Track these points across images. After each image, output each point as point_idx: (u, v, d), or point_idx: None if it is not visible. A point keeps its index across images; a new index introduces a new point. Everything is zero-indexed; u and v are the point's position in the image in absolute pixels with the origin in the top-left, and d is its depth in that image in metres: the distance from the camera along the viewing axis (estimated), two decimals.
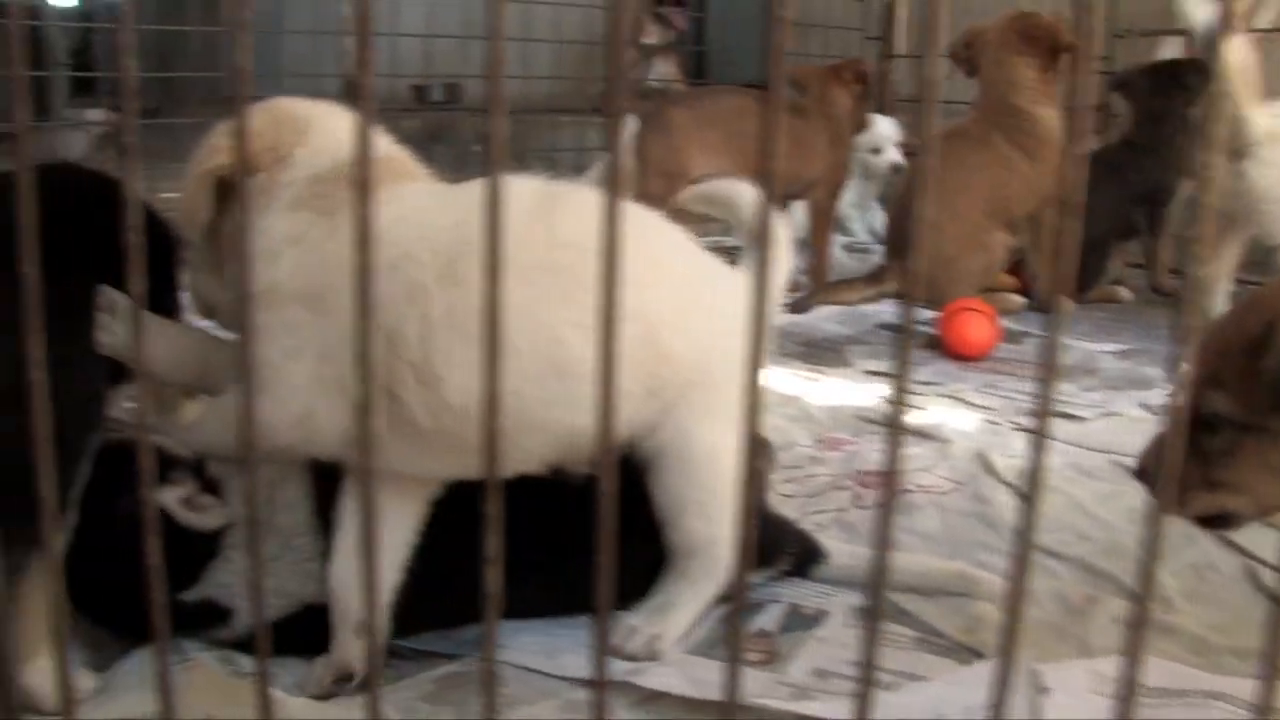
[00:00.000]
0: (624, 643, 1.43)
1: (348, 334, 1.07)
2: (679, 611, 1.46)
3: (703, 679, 1.37)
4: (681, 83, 6.05)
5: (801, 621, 1.52)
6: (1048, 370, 0.68)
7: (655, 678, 1.36)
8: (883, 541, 0.68)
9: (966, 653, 1.48)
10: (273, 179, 1.38)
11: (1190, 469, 1.26)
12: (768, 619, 1.53)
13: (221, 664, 1.39)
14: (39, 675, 1.27)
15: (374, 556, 0.74)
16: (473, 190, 1.38)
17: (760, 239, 0.66)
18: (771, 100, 0.65)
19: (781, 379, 2.65)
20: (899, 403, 0.66)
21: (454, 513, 1.42)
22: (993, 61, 3.36)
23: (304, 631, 1.37)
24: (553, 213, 1.35)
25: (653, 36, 5.92)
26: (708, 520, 1.44)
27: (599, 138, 4.25)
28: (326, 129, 1.43)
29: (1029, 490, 0.67)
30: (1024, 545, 0.68)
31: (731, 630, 0.77)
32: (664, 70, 5.95)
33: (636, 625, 1.45)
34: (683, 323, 1.42)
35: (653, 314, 1.38)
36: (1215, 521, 1.32)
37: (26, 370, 1.25)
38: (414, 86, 5.83)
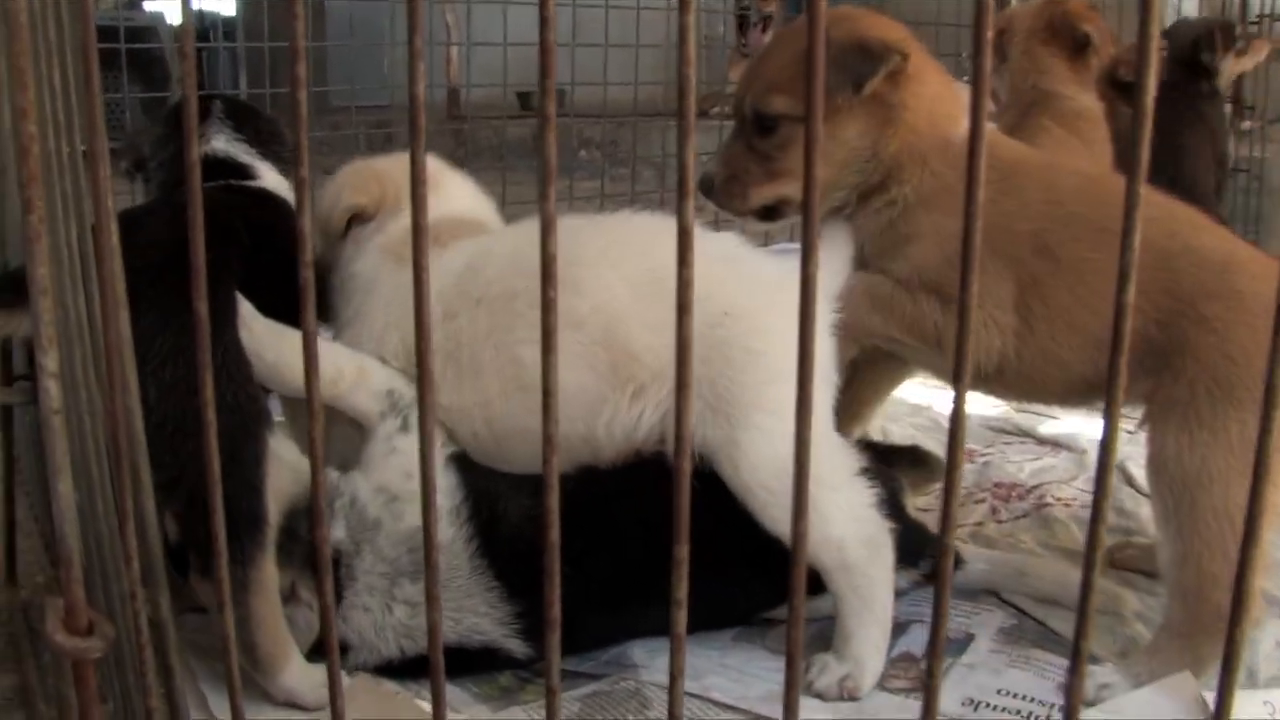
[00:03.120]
0: (815, 678, 1.38)
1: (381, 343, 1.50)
2: (860, 641, 1.39)
3: (866, 705, 1.35)
4: None
5: (948, 646, 1.49)
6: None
7: (815, 711, 1.34)
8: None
9: None
10: (383, 224, 1.58)
11: (750, 168, 1.54)
12: (913, 641, 1.50)
13: None
14: (293, 678, 1.34)
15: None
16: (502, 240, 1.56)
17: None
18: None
19: (908, 388, 2.60)
20: None
21: (596, 534, 1.42)
22: (1021, 50, 3.28)
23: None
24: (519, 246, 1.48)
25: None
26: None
27: (710, 142, 4.22)
28: (440, 189, 1.60)
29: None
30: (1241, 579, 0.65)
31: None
32: None
33: (829, 662, 1.40)
34: (650, 318, 1.40)
35: (612, 312, 1.42)
36: (770, 213, 1.59)
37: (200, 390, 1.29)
38: (519, 93, 5.88)
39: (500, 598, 1.42)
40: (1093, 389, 1.54)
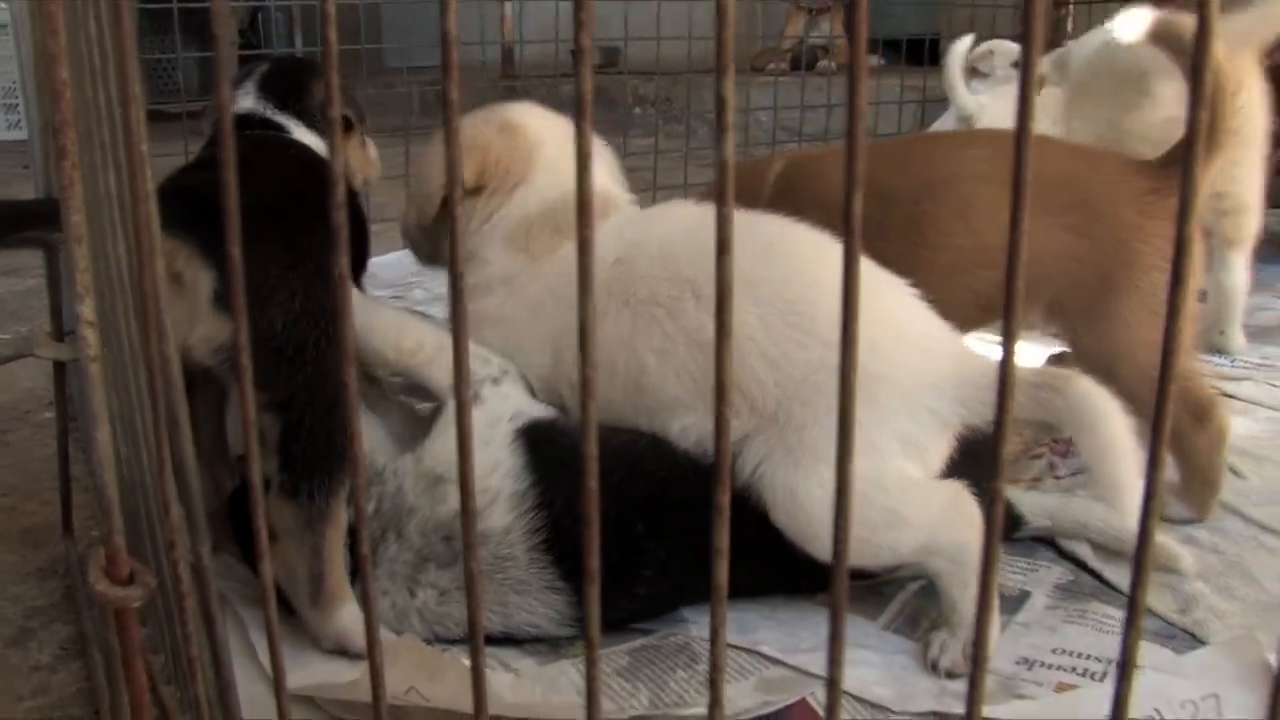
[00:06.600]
0: (939, 657, 1.33)
1: (525, 351, 1.48)
2: (967, 603, 1.32)
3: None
4: (844, 40, 5.95)
5: (1004, 604, 1.46)
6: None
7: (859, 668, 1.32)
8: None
9: (1183, 635, 1.40)
10: (494, 203, 1.54)
11: None
12: None
13: None
14: (349, 618, 1.32)
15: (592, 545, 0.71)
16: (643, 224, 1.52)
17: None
18: None
19: (972, 342, 2.56)
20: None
21: (657, 496, 1.39)
22: None
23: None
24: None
25: None
26: (875, 551, 1.33)
27: (765, 97, 4.16)
28: (552, 162, 1.56)
29: None
30: None
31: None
32: (828, 29, 5.85)
33: (945, 638, 1.34)
34: (771, 350, 1.35)
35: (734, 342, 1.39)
36: None
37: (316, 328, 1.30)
38: (573, 51, 5.81)
39: (566, 601, 1.35)
40: None
